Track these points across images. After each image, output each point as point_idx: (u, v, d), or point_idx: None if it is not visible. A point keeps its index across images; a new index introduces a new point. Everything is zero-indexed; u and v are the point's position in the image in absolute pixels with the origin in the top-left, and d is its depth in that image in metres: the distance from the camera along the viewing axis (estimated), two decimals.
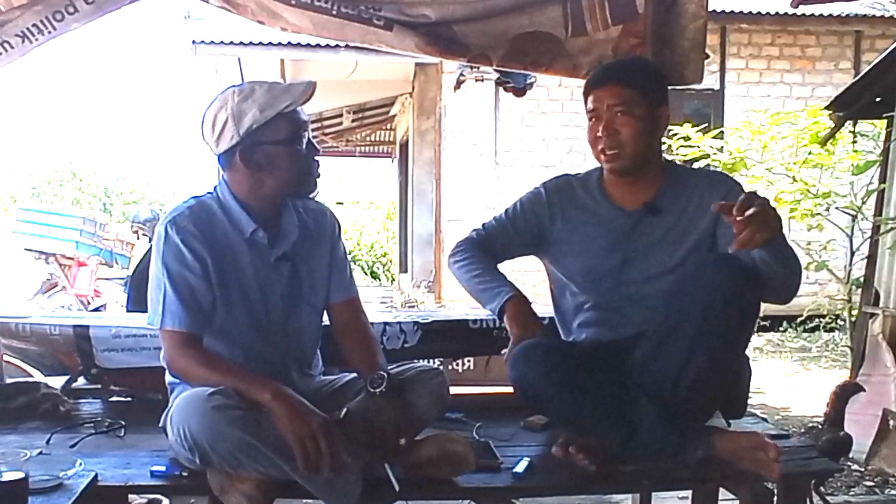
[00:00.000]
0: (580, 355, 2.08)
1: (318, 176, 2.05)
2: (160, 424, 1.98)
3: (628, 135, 2.10)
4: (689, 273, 1.99)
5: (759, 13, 8.35)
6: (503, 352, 2.12)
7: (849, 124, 5.06)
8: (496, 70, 3.09)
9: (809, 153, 5.24)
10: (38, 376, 3.28)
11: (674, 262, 2.11)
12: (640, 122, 2.11)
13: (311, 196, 2.08)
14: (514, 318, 2.12)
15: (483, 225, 2.34)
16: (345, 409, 1.87)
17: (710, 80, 8.24)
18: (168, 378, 2.04)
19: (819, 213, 5.00)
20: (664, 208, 2.16)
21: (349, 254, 2.29)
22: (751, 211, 1.73)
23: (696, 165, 5.32)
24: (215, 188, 2.05)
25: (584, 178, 2.29)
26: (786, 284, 1.93)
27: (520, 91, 4.10)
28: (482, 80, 7.59)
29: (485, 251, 2.29)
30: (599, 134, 2.12)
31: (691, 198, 2.15)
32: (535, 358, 2.00)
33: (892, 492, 3.34)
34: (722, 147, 5.67)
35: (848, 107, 4.61)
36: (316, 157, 2.03)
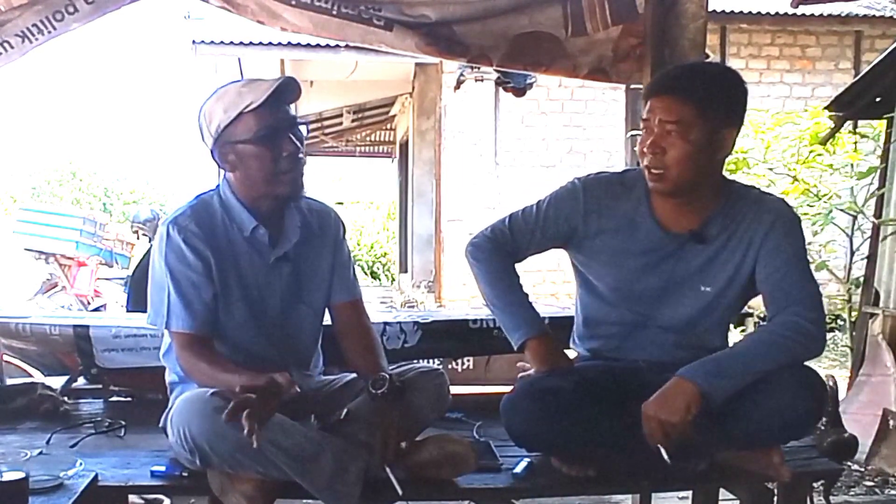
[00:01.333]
0: (578, 389, 1.93)
1: (301, 175, 1.98)
2: (160, 425, 1.98)
3: (675, 158, 1.86)
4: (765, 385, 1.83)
5: (759, 13, 8.36)
6: (520, 373, 2.08)
7: (849, 124, 5.06)
8: (496, 70, 3.09)
9: (810, 153, 5.25)
10: (38, 376, 3.28)
11: (708, 296, 1.99)
12: (692, 145, 1.85)
13: (297, 198, 2.02)
14: (536, 356, 2.02)
15: (510, 218, 2.12)
16: (345, 410, 1.87)
17: None
18: (168, 378, 2.04)
19: (823, 218, 4.99)
20: (710, 236, 1.97)
21: (352, 255, 2.27)
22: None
23: None
24: (218, 186, 2.05)
25: (630, 184, 2.03)
26: (796, 357, 1.87)
27: (520, 91, 4.11)
28: (482, 80, 7.61)
29: (507, 253, 2.11)
30: (645, 150, 1.90)
31: (739, 226, 1.96)
32: (521, 409, 1.93)
33: (892, 492, 3.34)
34: None
35: (848, 107, 4.61)
36: (297, 157, 1.95)
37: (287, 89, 1.93)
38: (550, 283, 7.70)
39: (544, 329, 2.07)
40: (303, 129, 1.99)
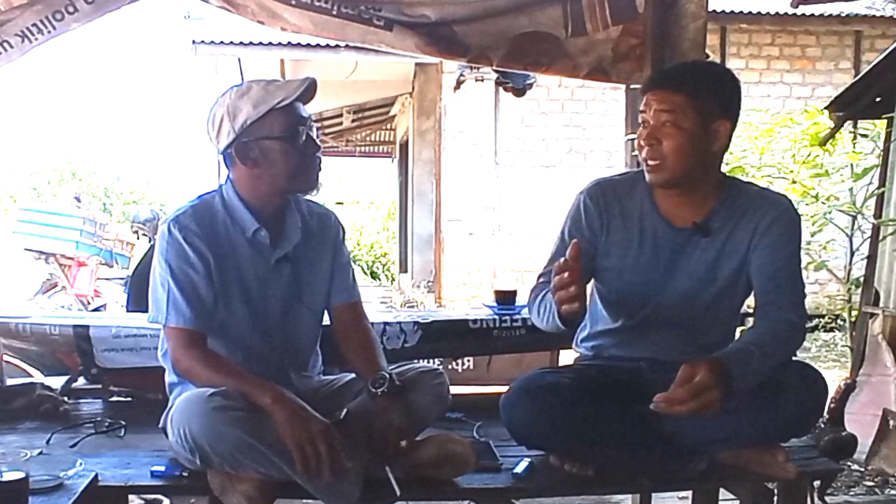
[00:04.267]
0: (577, 386, 1.95)
1: (319, 172, 2.03)
2: (160, 425, 1.98)
3: (670, 148, 1.91)
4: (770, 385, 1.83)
5: (759, 13, 8.36)
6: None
7: (849, 124, 5.05)
8: (496, 70, 3.09)
9: (809, 154, 5.24)
10: (38, 376, 3.28)
11: (711, 291, 2.00)
12: (686, 135, 1.90)
13: (313, 194, 2.07)
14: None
15: (544, 267, 2.08)
16: (345, 410, 1.87)
17: None
18: (168, 378, 2.04)
19: (822, 218, 4.99)
20: (713, 229, 1.99)
21: (352, 258, 2.27)
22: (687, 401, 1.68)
23: None
24: (221, 187, 2.06)
25: (630, 183, 2.07)
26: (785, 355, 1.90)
27: (520, 91, 4.09)
28: (482, 80, 7.61)
29: None
30: (642, 142, 1.95)
31: (740, 220, 1.99)
32: (520, 406, 1.93)
33: (892, 492, 3.33)
34: None
35: (848, 107, 4.60)
36: (317, 154, 2.01)
37: (311, 90, 1.97)
38: None
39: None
40: (314, 129, 2.03)
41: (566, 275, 1.72)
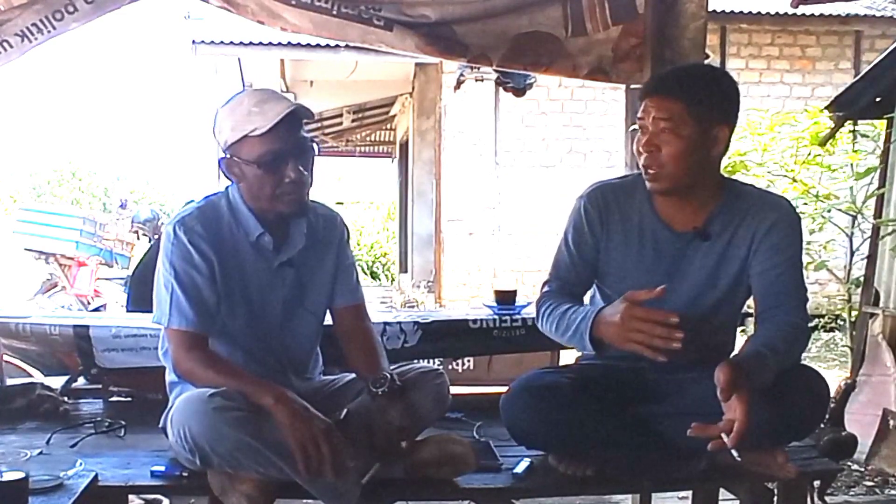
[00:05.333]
0: (577, 386, 1.95)
1: (303, 197, 1.95)
2: (160, 425, 1.99)
3: (669, 155, 1.89)
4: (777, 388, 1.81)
5: (759, 13, 8.36)
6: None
7: (849, 124, 5.05)
8: (496, 70, 3.09)
9: (809, 154, 5.25)
10: (38, 376, 3.28)
11: (716, 295, 2.00)
12: (685, 142, 1.88)
13: (300, 216, 2.00)
14: (607, 332, 1.87)
15: (551, 269, 2.11)
16: (345, 410, 1.87)
17: None
18: (168, 378, 2.04)
19: (821, 216, 4.99)
20: (714, 233, 1.98)
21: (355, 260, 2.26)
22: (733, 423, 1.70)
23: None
24: (227, 189, 2.05)
25: (629, 187, 2.06)
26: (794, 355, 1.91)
27: (520, 91, 4.10)
28: (482, 80, 7.61)
29: (561, 302, 2.02)
30: (641, 149, 1.94)
31: (740, 224, 1.98)
32: (519, 405, 1.93)
33: (892, 492, 3.34)
34: None
35: (848, 107, 4.61)
36: (300, 180, 1.91)
37: (295, 118, 1.90)
38: None
39: (594, 311, 1.95)
40: (315, 147, 1.98)
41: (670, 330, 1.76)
